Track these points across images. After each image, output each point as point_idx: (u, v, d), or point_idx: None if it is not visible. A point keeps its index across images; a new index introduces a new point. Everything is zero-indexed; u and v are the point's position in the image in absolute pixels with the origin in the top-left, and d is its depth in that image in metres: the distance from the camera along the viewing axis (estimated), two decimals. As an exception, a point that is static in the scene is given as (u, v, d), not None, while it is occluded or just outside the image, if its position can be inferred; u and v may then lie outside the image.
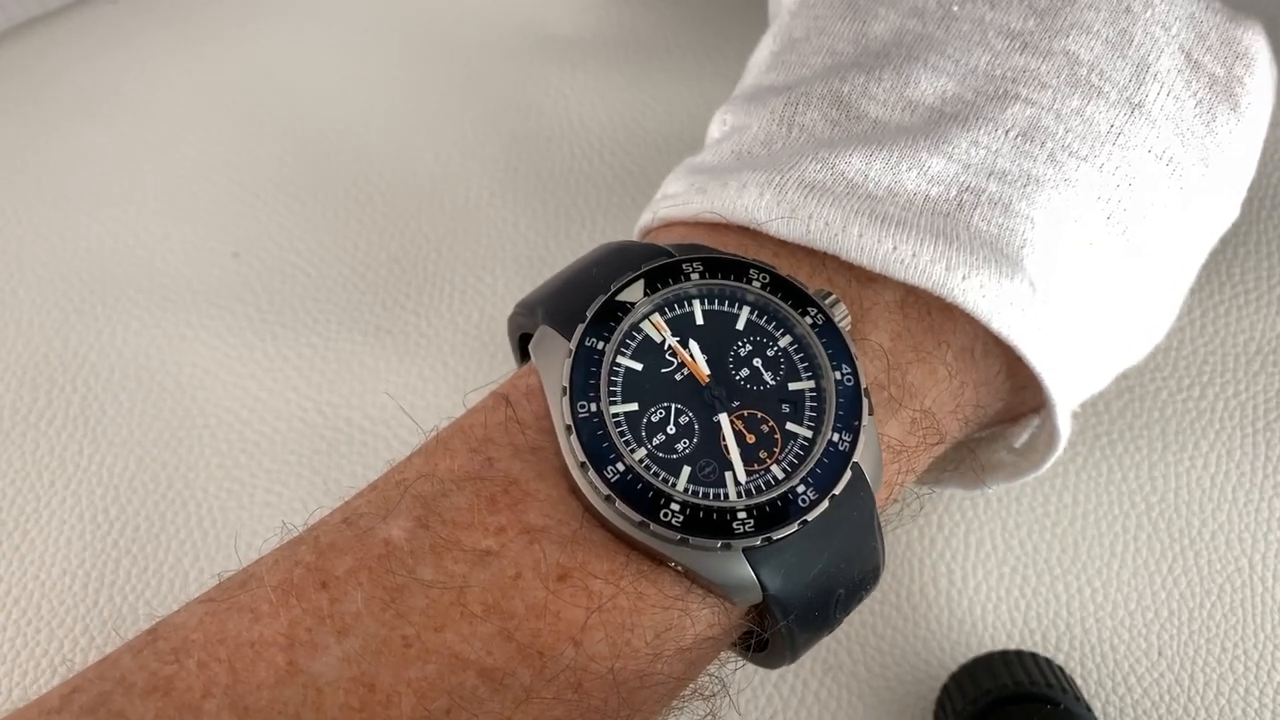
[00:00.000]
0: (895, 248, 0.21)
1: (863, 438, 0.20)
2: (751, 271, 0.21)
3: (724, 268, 0.21)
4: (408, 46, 0.44)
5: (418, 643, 0.18)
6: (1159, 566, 0.31)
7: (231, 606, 0.18)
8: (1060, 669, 0.29)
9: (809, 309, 0.21)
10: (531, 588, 0.18)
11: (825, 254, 0.22)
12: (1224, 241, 0.35)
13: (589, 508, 0.19)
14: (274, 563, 0.19)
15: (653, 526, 0.19)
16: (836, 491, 0.19)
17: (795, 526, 0.19)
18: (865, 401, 0.20)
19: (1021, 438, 0.27)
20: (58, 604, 0.33)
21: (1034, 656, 0.29)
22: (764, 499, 0.19)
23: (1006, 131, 0.23)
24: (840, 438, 0.20)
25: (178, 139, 0.42)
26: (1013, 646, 0.30)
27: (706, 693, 0.22)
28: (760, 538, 0.19)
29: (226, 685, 0.17)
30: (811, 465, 0.20)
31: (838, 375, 0.20)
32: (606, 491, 0.19)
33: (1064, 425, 0.24)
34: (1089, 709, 0.28)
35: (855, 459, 0.20)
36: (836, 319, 0.21)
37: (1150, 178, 0.23)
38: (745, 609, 0.20)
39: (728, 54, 0.43)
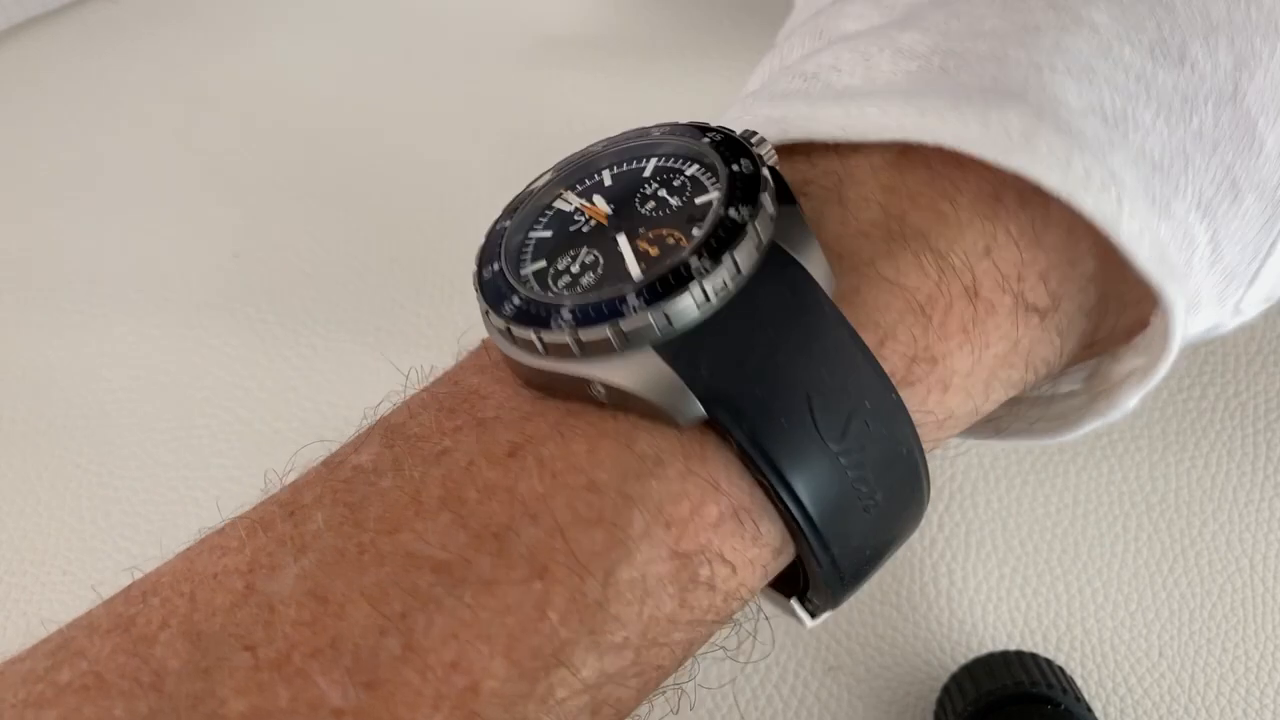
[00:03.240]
0: (863, 111, 0.19)
1: (769, 207, 0.18)
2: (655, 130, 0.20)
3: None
4: (407, 46, 0.44)
5: (371, 549, 0.17)
6: (1159, 566, 0.31)
7: (202, 548, 0.18)
8: (1060, 669, 0.29)
9: (739, 159, 0.19)
10: (482, 470, 0.17)
11: (800, 143, 0.20)
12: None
13: (528, 381, 0.18)
14: (252, 509, 0.19)
15: (546, 339, 0.17)
16: (740, 258, 0.17)
17: (692, 298, 0.17)
18: (768, 183, 0.18)
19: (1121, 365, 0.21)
20: (57, 604, 0.33)
21: (1034, 656, 0.29)
22: (655, 275, 0.17)
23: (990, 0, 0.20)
24: (738, 212, 0.18)
25: (178, 139, 0.42)
26: (1013, 647, 0.30)
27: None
28: (651, 311, 0.17)
29: (184, 615, 0.17)
30: (706, 238, 0.18)
31: (735, 167, 0.18)
32: (503, 325, 0.18)
33: (1176, 304, 0.18)
34: (1089, 709, 0.28)
35: (760, 231, 0.18)
36: (760, 151, 0.19)
37: None
38: (693, 425, 0.17)
39: (727, 54, 0.43)
